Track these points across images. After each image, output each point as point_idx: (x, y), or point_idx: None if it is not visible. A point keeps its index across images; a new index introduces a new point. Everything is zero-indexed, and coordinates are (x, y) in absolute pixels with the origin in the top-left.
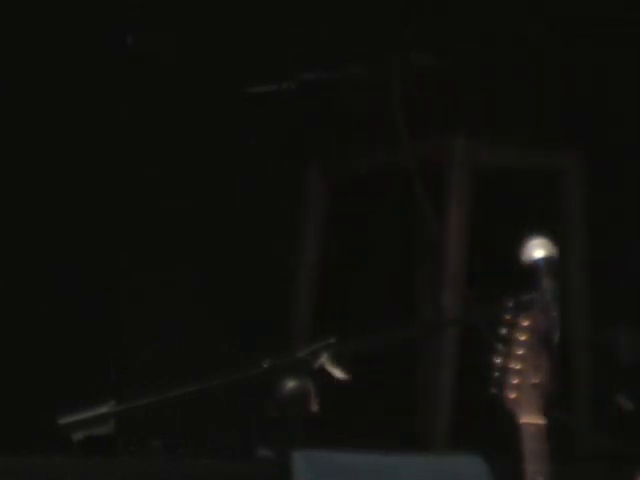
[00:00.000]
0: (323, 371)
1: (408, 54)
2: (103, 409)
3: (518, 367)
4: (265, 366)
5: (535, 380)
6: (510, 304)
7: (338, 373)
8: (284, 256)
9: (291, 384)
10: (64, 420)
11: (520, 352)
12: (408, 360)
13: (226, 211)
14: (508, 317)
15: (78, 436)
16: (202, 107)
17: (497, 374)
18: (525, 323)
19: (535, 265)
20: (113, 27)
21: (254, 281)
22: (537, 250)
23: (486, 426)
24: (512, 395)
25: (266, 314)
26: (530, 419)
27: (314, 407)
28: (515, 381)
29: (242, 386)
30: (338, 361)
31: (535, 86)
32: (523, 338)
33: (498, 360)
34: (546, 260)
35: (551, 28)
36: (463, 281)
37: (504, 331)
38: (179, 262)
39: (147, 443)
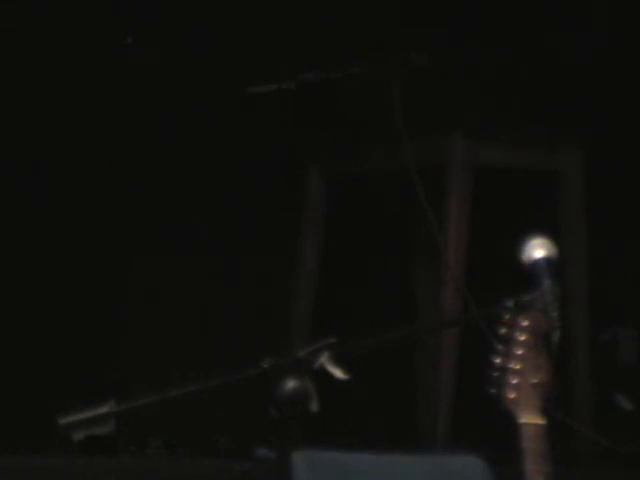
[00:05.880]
0: (323, 371)
1: (408, 54)
2: (103, 409)
3: (518, 367)
4: (265, 366)
5: (535, 380)
6: (510, 304)
7: (338, 373)
8: (284, 256)
9: (291, 384)
10: (64, 420)
11: (520, 352)
12: (408, 360)
13: (226, 211)
14: (508, 317)
15: (78, 436)
16: (202, 107)
17: (497, 374)
18: (525, 323)
19: (535, 265)
20: (113, 27)
21: (254, 281)
22: (537, 250)
23: (486, 426)
24: (512, 395)
25: (266, 314)
26: (530, 419)
27: (314, 407)
28: (515, 381)
29: (242, 386)
30: (338, 361)
31: (535, 86)
32: (523, 338)
33: (498, 360)
34: (546, 260)
35: (551, 28)
36: (463, 281)
37: (504, 331)
38: (179, 262)
39: (147, 443)
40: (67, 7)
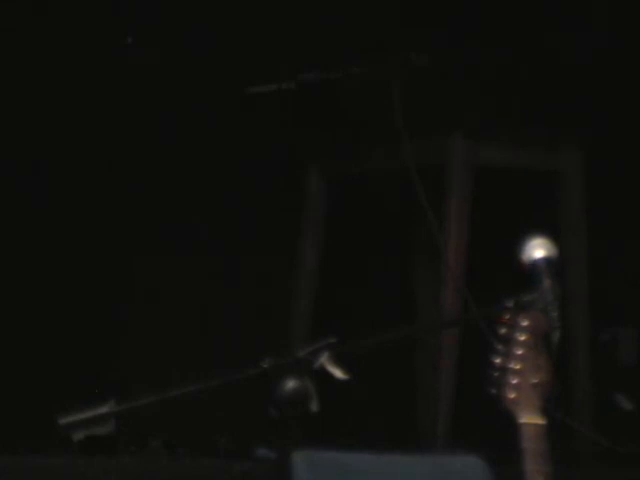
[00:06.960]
0: (323, 371)
1: (408, 54)
2: (103, 409)
3: (518, 367)
4: (265, 366)
5: (535, 380)
6: (510, 304)
7: (338, 373)
8: (284, 256)
9: (291, 384)
10: (64, 420)
11: (520, 352)
12: (408, 360)
13: (226, 211)
14: (508, 317)
15: (78, 436)
16: (202, 107)
17: (497, 374)
18: (525, 323)
19: (535, 265)
20: (113, 27)
21: (254, 281)
22: (537, 250)
23: (486, 426)
24: (512, 395)
25: (266, 314)
26: (530, 419)
27: (314, 407)
28: (515, 381)
29: (242, 386)
30: (338, 361)
31: (535, 86)
32: (523, 338)
33: (498, 360)
34: (546, 260)
35: (551, 28)
36: (463, 281)
37: (504, 331)
38: (179, 262)
39: (147, 443)
40: (67, 7)
